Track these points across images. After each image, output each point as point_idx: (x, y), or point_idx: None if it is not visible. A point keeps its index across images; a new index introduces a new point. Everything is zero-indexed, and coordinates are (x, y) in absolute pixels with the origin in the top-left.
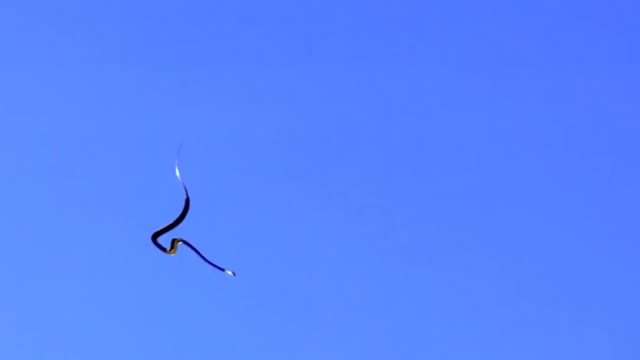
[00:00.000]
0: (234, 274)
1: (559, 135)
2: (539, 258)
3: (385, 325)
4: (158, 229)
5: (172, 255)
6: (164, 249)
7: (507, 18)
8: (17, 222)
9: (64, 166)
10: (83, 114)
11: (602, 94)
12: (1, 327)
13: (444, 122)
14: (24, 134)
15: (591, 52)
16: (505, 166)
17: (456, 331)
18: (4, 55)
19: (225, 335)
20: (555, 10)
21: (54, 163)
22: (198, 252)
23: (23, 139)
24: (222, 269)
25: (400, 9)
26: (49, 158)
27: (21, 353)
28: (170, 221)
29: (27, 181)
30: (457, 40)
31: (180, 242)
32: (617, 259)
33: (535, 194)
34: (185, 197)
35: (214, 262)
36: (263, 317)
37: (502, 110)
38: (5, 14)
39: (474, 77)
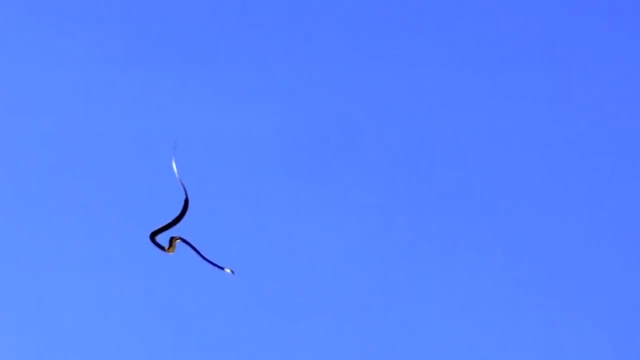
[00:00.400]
0: (232, 272)
1: (559, 135)
2: (539, 258)
3: (385, 325)
4: (156, 227)
5: (171, 253)
6: (162, 248)
7: (507, 18)
8: (16, 221)
9: (63, 165)
10: (82, 114)
11: (602, 94)
12: (1, 327)
13: (444, 122)
14: (23, 133)
15: (591, 52)
16: (505, 166)
17: (456, 331)
18: (3, 55)
19: (224, 334)
20: (555, 11)
21: (54, 163)
22: (196, 251)
23: (22, 138)
24: (221, 267)
25: (400, 9)
26: (48, 158)
27: (21, 353)
28: (169, 220)
29: (26, 181)
30: (457, 40)
31: (178, 241)
32: (618, 259)
33: (535, 194)
34: (184, 196)
35: (213, 261)
36: (262, 316)
37: (502, 110)
38: (5, 14)
39: (474, 77)
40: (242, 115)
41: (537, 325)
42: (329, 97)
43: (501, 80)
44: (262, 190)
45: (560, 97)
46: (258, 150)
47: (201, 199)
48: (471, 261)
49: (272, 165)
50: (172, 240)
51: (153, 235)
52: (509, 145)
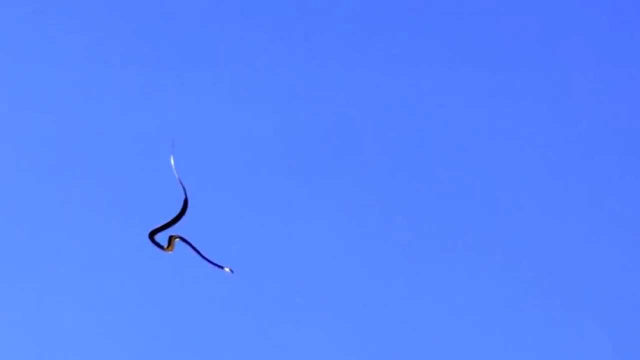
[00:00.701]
0: (231, 271)
1: (559, 135)
2: (539, 258)
3: (385, 325)
4: (155, 226)
5: (170, 252)
6: (161, 247)
7: (507, 18)
8: (16, 221)
9: (63, 165)
10: (82, 114)
11: (602, 94)
12: (1, 327)
13: (444, 122)
14: (23, 133)
15: (591, 52)
16: (505, 166)
17: (456, 331)
18: (4, 55)
19: (224, 333)
20: (555, 11)
21: (54, 163)
22: (195, 249)
23: (22, 138)
24: (220, 266)
25: (400, 9)
26: (48, 158)
27: (21, 353)
28: (168, 219)
29: (26, 181)
30: (457, 40)
31: (177, 239)
32: (618, 259)
33: (535, 194)
34: (184, 197)
35: (212, 260)
36: (261, 315)
37: (502, 110)
38: (6, 14)
39: (474, 77)
40: (242, 115)
41: (537, 325)
42: (329, 97)
43: (501, 80)
44: (261, 190)
45: (560, 97)
46: (258, 150)
47: (200, 198)
48: (471, 261)
49: (272, 165)
50: (171, 239)
51: (152, 234)
52: (509, 145)
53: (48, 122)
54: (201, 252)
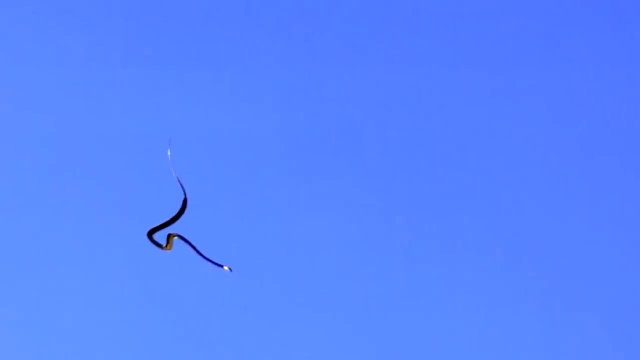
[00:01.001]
0: (230, 269)
1: (559, 135)
2: (539, 258)
3: (385, 325)
4: (154, 225)
5: (168, 251)
6: (159, 245)
7: (507, 18)
8: (16, 221)
9: (62, 165)
10: (82, 114)
11: (602, 94)
12: (1, 327)
13: (444, 122)
14: (23, 133)
15: (591, 52)
16: (505, 166)
17: (456, 331)
18: (4, 55)
19: (222, 332)
20: (555, 11)
21: (54, 163)
22: (194, 248)
23: (22, 138)
24: (219, 265)
25: (401, 9)
26: (48, 158)
27: (21, 353)
28: (167, 218)
29: (26, 180)
30: (457, 40)
31: (175, 238)
32: (618, 259)
33: (535, 194)
34: (183, 196)
35: (210, 258)
36: (260, 314)
37: (502, 110)
38: (6, 14)
39: (474, 77)
40: (242, 114)
41: (537, 325)
42: (329, 97)
43: (501, 80)
44: (261, 190)
45: (560, 97)
46: (258, 149)
47: (199, 197)
48: (471, 261)
49: (271, 165)
50: (169, 237)
51: (151, 233)
52: (509, 145)
53: (48, 122)
54: (200, 250)
